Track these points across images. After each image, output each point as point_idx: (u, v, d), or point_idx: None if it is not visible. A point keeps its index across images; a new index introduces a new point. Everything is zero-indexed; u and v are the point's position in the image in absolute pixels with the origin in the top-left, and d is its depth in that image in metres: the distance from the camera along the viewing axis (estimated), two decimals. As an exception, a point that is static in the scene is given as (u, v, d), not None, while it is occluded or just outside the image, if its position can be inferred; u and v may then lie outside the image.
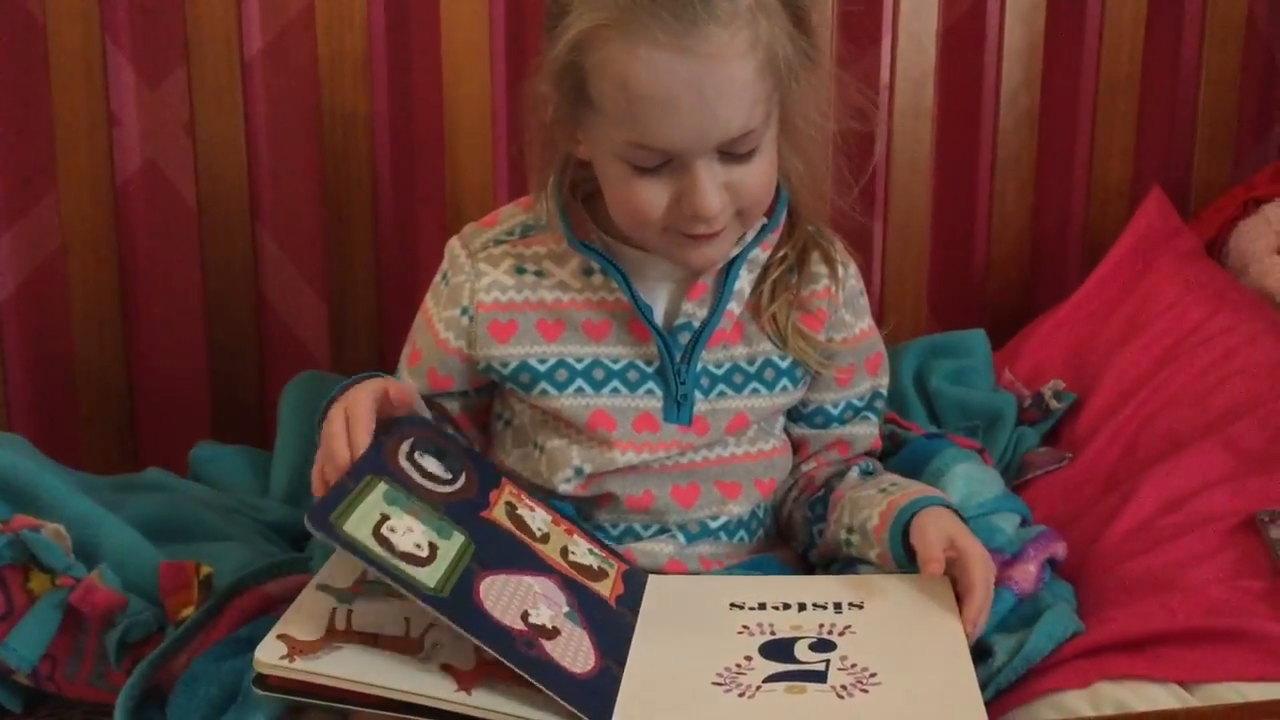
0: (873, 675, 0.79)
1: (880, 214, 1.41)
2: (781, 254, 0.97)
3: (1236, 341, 1.18)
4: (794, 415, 1.01)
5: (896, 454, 1.07)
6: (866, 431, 1.03)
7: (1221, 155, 1.44)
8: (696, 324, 0.94)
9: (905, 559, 0.89)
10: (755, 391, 0.96)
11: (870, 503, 0.93)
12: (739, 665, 0.80)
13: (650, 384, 0.94)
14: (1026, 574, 0.91)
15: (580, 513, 0.95)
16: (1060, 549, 0.96)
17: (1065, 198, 1.46)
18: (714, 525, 0.96)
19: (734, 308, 0.95)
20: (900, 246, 1.40)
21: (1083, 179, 1.44)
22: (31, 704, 0.93)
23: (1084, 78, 1.43)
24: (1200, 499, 0.99)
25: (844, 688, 0.77)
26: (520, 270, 0.95)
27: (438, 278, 0.98)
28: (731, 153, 0.86)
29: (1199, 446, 1.05)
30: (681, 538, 0.95)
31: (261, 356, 1.33)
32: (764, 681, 0.78)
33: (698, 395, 0.94)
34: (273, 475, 1.14)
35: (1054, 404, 1.20)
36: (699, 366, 0.94)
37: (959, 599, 0.86)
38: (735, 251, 0.94)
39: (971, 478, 1.01)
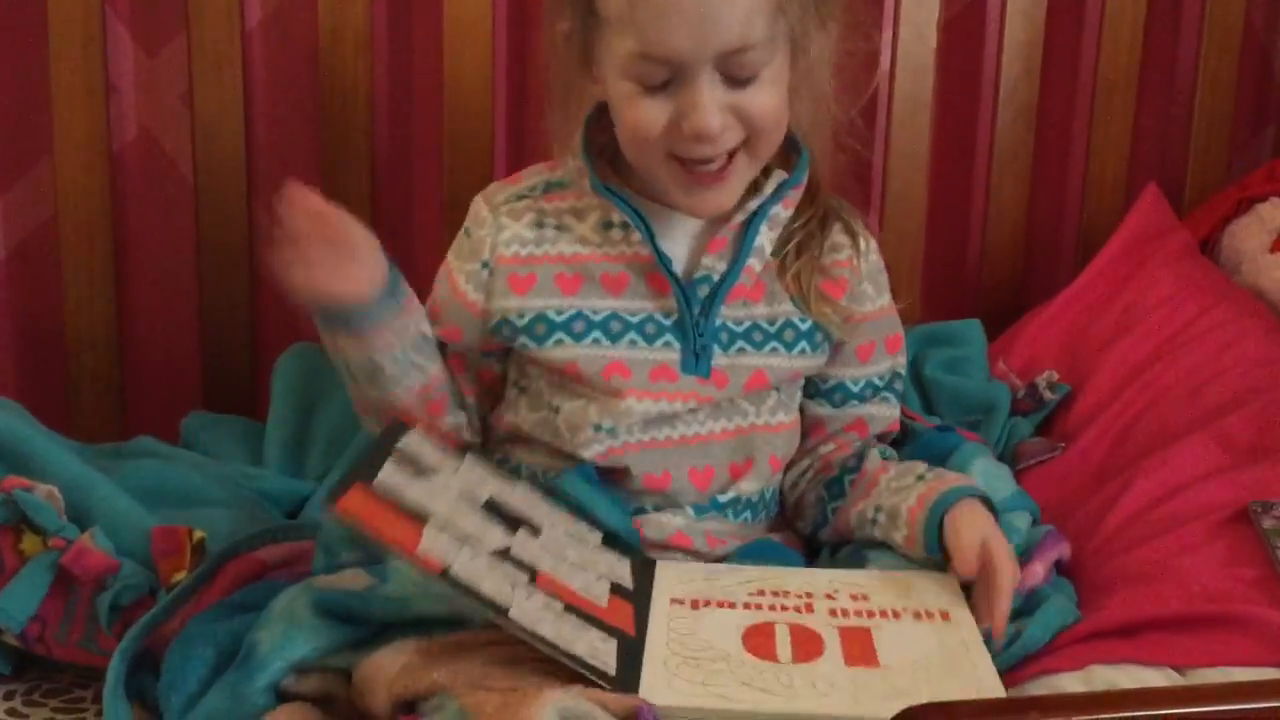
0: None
1: (876, 203, 1.41)
2: (805, 218, 0.97)
3: (1229, 337, 1.19)
4: (813, 392, 1.01)
5: (906, 444, 1.06)
6: (886, 413, 1.03)
7: (1216, 154, 1.45)
8: (716, 277, 0.94)
9: (936, 545, 0.90)
10: (774, 351, 0.96)
11: (907, 489, 0.93)
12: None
13: (668, 336, 0.94)
14: (1033, 574, 0.91)
15: None
16: (1065, 549, 0.97)
17: (1061, 193, 1.47)
18: (723, 500, 0.96)
19: (754, 264, 0.95)
20: (895, 237, 1.40)
21: (1079, 174, 1.45)
22: (20, 666, 0.92)
23: (1082, 75, 1.44)
24: (1193, 491, 1.00)
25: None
26: (540, 224, 0.96)
27: (461, 233, 0.99)
28: (733, 75, 0.87)
29: (1192, 439, 1.06)
30: (691, 510, 0.95)
31: (254, 328, 1.32)
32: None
33: (716, 350, 0.94)
34: (266, 446, 1.14)
35: (1048, 395, 1.20)
36: (718, 322, 0.95)
37: (985, 602, 0.86)
38: (755, 204, 0.94)
39: (989, 474, 1.00)
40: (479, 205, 0.98)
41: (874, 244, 1.01)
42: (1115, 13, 1.40)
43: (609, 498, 0.92)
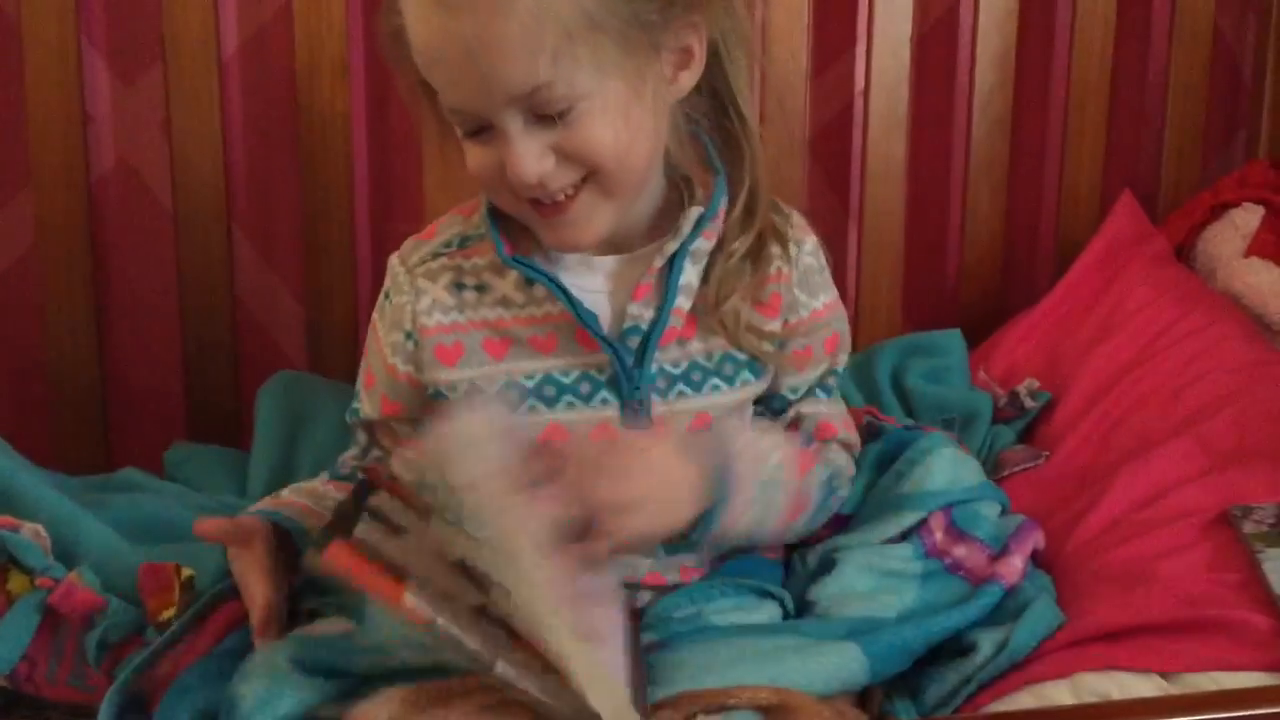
0: None
1: (855, 217, 1.42)
2: (735, 249, 0.90)
3: (1206, 342, 1.20)
4: (755, 401, 0.98)
5: (875, 444, 1.06)
6: (812, 410, 0.99)
7: (1189, 161, 1.47)
8: (644, 326, 0.89)
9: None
10: (716, 389, 0.92)
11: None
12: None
13: (604, 393, 0.90)
14: (1012, 568, 0.92)
15: None
16: (1039, 538, 0.97)
17: (1037, 202, 1.48)
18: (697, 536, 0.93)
19: (683, 303, 0.90)
20: (874, 250, 1.41)
21: (1054, 184, 1.46)
22: (9, 705, 0.91)
23: (1055, 85, 1.45)
24: (1174, 495, 1.00)
25: None
26: (460, 286, 0.91)
27: (381, 295, 0.95)
28: (542, 113, 0.80)
29: (1172, 444, 1.06)
30: (660, 550, 0.93)
31: (237, 358, 1.31)
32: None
33: (655, 398, 0.91)
34: (250, 475, 1.13)
35: (1029, 402, 1.21)
36: (654, 368, 0.91)
37: None
38: (674, 247, 0.90)
39: (956, 461, 1.00)
40: (395, 267, 0.94)
41: (809, 244, 0.95)
42: (1086, 22, 1.41)
43: None
